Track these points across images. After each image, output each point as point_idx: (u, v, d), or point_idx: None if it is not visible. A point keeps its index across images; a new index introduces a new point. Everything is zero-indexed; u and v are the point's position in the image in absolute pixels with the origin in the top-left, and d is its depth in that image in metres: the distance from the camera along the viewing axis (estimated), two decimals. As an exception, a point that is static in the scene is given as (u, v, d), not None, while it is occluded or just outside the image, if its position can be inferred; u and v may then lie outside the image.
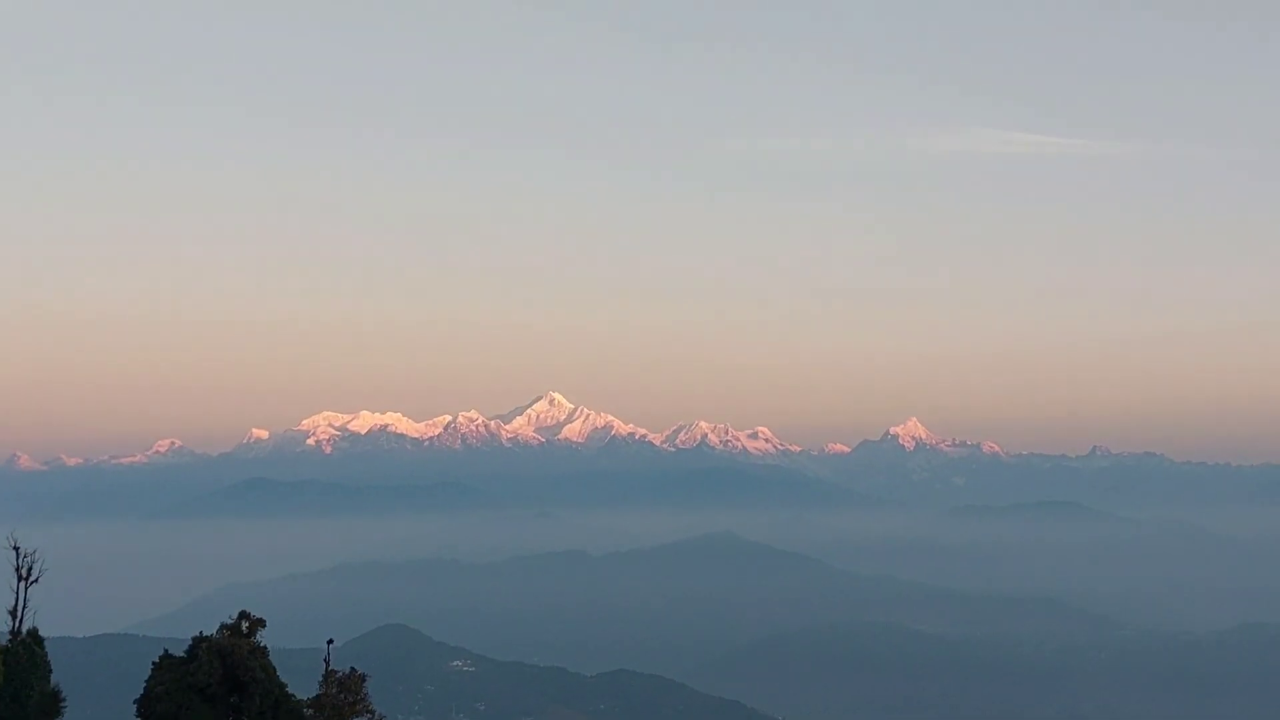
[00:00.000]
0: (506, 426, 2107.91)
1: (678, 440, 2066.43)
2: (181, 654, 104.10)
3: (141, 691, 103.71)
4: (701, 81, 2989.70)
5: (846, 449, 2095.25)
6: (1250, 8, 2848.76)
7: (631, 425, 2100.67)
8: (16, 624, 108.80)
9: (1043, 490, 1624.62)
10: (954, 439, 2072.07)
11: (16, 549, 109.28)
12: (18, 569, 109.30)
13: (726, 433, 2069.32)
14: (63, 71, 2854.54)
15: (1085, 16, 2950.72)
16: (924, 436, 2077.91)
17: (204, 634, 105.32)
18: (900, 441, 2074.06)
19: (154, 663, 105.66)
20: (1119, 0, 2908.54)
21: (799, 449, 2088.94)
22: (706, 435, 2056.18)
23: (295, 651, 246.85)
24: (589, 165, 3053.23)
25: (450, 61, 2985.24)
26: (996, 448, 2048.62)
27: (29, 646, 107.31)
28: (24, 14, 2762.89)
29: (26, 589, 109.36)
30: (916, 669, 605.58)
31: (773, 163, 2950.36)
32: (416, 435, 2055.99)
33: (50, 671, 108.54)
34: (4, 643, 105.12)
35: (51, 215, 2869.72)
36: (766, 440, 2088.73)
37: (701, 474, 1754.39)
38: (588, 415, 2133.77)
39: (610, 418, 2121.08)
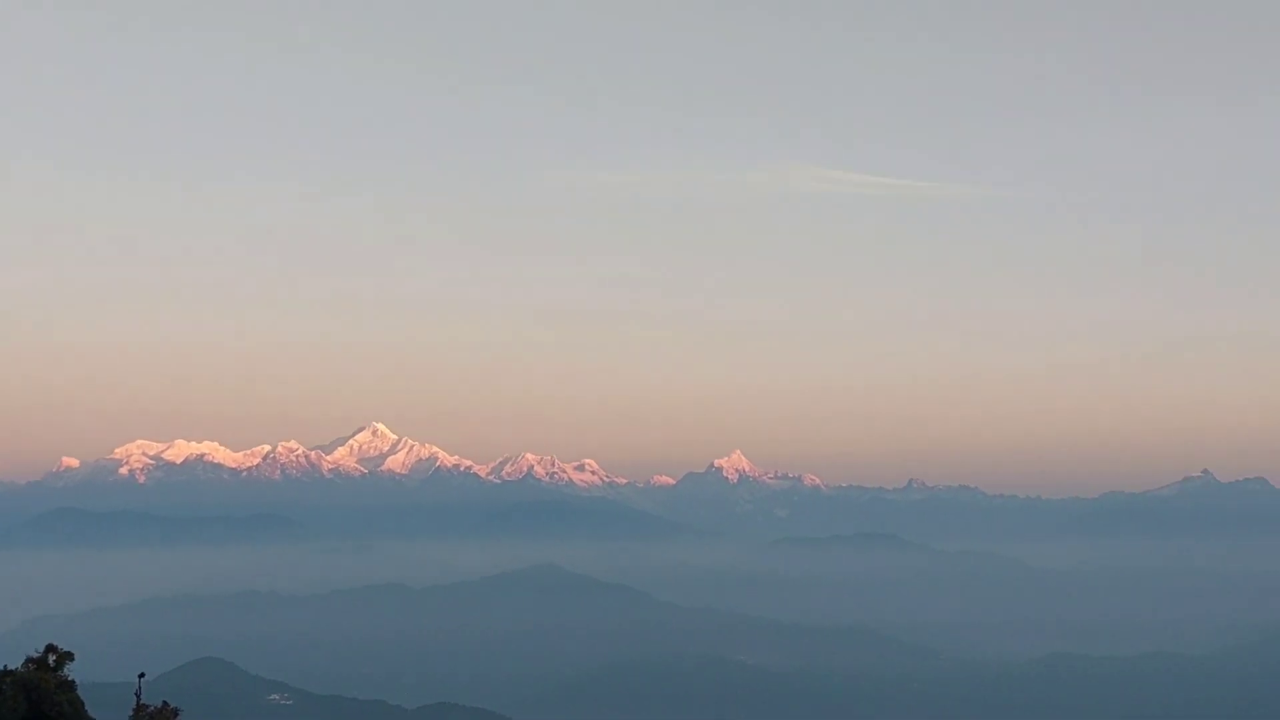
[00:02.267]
0: (328, 457, 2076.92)
1: (504, 472, 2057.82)
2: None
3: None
4: (520, 116, 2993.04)
5: (672, 481, 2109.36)
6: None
7: (457, 457, 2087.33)
8: None
9: (862, 522, 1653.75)
10: (776, 471, 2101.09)
11: None
12: None
13: (553, 464, 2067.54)
14: None
15: (925, 47, 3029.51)
16: (747, 469, 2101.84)
17: (8, 668, 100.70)
18: (724, 474, 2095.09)
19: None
20: (954, 35, 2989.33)
21: (625, 481, 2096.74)
22: (533, 467, 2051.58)
23: (105, 685, 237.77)
24: (411, 194, 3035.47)
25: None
26: (817, 480, 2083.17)
27: None
28: None
29: None
30: (737, 701, 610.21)
31: (598, 195, 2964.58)
32: (234, 465, 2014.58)
33: None
34: None
35: None
36: (593, 473, 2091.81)
37: (527, 506, 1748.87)
38: (411, 446, 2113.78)
39: (435, 449, 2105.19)
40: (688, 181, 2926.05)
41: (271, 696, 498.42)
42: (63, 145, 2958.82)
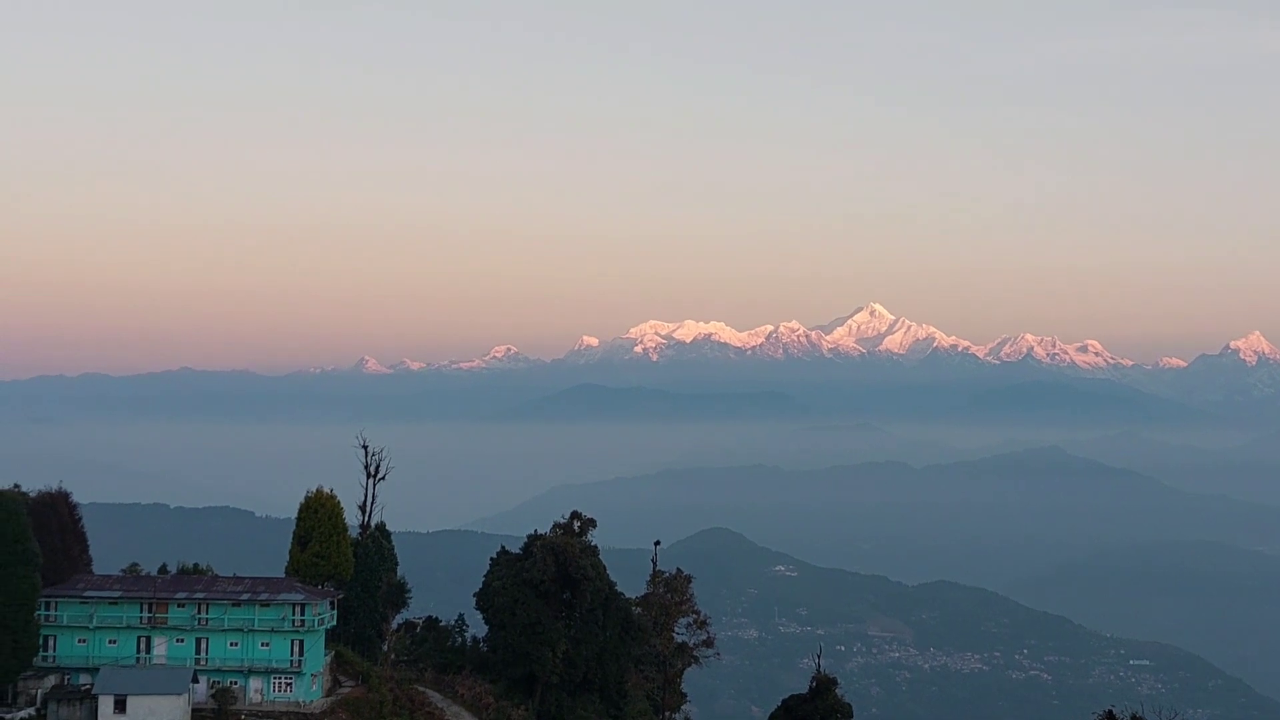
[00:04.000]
0: (827, 337, 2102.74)
1: (1002, 353, 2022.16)
2: (517, 551, 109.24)
3: (480, 585, 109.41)
4: None
5: (1183, 363, 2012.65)
6: None
7: (954, 337, 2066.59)
8: (366, 518, 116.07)
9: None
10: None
11: (365, 447, 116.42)
12: (366, 466, 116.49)
13: (1054, 345, 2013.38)
14: None
15: None
16: (1268, 351, 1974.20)
17: (538, 532, 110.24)
18: (1241, 356, 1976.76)
19: (492, 558, 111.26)
20: None
21: (1131, 363, 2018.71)
22: (1033, 348, 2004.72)
23: (624, 551, 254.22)
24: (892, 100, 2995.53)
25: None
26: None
27: (377, 540, 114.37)
28: None
29: (374, 485, 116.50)
30: (1253, 590, 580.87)
31: (1086, 65, 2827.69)
32: (739, 344, 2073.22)
33: (397, 564, 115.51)
34: (355, 536, 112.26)
35: (397, 131, 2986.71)
36: (1097, 354, 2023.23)
37: (1027, 388, 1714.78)
38: (909, 326, 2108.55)
39: (932, 329, 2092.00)
40: (1201, 46, 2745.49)
41: (777, 567, 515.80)
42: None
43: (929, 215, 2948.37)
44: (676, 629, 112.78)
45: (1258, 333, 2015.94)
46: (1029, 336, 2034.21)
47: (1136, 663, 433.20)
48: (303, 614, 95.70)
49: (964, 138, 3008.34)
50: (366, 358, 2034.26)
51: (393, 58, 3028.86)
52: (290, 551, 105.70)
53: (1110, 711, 73.46)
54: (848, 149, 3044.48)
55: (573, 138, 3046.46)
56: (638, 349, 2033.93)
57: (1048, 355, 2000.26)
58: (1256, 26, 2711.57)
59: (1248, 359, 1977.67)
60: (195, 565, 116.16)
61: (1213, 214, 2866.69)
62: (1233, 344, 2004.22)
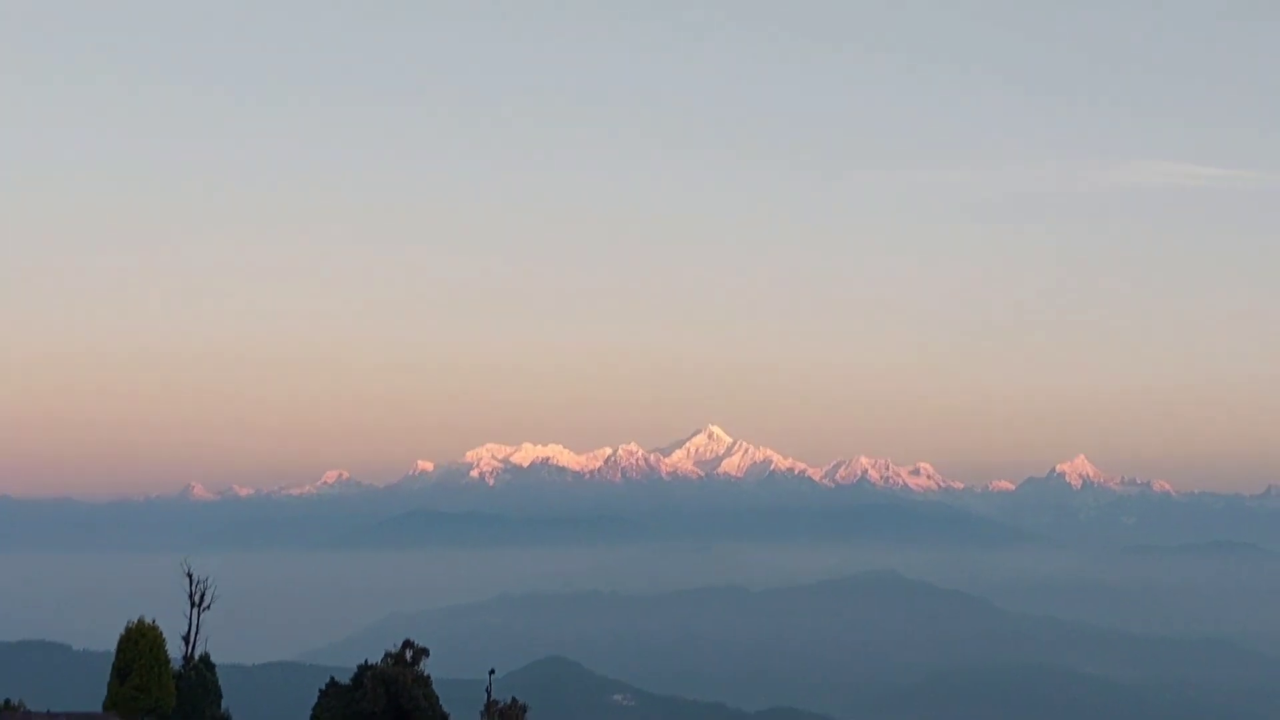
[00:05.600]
0: (666, 460, 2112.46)
1: (838, 475, 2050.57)
2: (347, 682, 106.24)
3: (309, 718, 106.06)
4: (845, 104, 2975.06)
5: (1011, 486, 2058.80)
6: None
7: (791, 460, 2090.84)
8: (189, 649, 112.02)
9: (1216, 530, 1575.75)
10: (1123, 476, 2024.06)
11: (190, 576, 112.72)
12: (191, 595, 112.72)
13: (887, 468, 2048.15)
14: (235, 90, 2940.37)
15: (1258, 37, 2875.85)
16: (1092, 474, 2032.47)
17: (369, 662, 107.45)
18: (1067, 479, 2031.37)
19: (321, 690, 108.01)
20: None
21: (962, 486, 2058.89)
22: (867, 471, 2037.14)
23: (457, 682, 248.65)
24: (753, 182, 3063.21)
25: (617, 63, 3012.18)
26: (1167, 486, 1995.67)
27: (201, 672, 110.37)
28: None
29: (199, 615, 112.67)
30: (1083, 714, 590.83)
31: (925, 194, 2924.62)
32: (577, 468, 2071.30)
33: (221, 697, 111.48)
34: (178, 668, 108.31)
35: (225, 253, 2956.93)
36: (929, 477, 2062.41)
37: (862, 510, 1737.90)
38: (747, 449, 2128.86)
39: (769, 452, 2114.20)
40: (1027, 177, 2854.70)
41: (614, 696, 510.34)
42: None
43: (766, 338, 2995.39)
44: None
45: (1082, 456, 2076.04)
46: (863, 459, 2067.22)
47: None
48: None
49: (794, 267, 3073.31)
50: (193, 484, 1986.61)
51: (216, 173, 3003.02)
52: (109, 685, 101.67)
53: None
54: (681, 274, 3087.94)
55: (404, 256, 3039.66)
56: (474, 473, 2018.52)
57: (881, 478, 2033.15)
58: (1084, 164, 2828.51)
59: (1073, 482, 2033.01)
60: (7, 701, 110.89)
61: (1038, 340, 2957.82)
62: (1059, 467, 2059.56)
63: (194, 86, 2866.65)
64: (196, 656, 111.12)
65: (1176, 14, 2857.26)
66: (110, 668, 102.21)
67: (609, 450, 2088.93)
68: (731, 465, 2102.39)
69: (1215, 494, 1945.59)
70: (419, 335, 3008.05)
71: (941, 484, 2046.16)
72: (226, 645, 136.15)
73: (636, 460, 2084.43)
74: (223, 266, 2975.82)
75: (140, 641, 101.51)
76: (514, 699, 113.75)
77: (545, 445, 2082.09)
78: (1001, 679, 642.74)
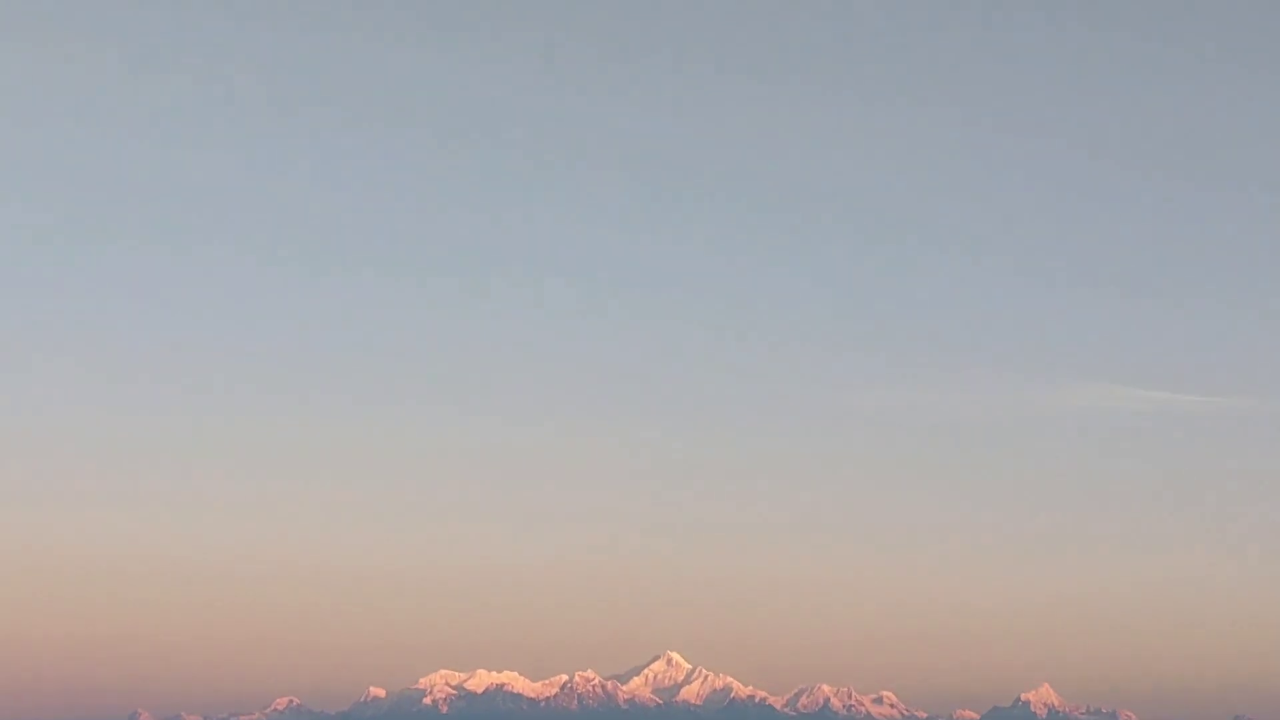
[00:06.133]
0: (624, 687, 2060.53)
1: (799, 704, 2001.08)
2: None
3: None
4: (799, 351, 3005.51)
5: (975, 716, 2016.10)
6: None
7: (751, 687, 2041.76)
8: None
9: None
10: (1088, 706, 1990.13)
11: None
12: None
13: (850, 696, 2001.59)
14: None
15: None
16: (1057, 704, 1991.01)
17: None
18: (1032, 708, 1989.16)
19: None
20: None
21: (925, 715, 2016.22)
22: (829, 699, 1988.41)
23: None
24: (698, 436, 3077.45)
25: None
26: (1134, 716, 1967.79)
27: None
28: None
29: None
30: None
31: (879, 416, 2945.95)
32: (533, 695, 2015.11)
33: None
34: None
35: (159, 473, 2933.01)
36: (892, 705, 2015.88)
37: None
38: (706, 676, 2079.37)
39: (729, 679, 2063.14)
40: (979, 401, 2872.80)
41: None
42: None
43: (723, 558, 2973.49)
44: None
45: (1047, 684, 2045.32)
46: (825, 687, 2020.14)
47: None
48: None
49: (754, 484, 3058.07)
50: (140, 711, 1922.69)
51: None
52: None
53: None
54: (636, 498, 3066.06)
55: (350, 470, 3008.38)
56: (427, 699, 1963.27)
57: (844, 706, 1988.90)
58: (1025, 386, 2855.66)
59: (1039, 711, 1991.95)
60: None
61: (1001, 565, 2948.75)
62: (1023, 696, 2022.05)
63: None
64: None
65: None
66: None
67: (565, 677, 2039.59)
68: (690, 693, 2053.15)
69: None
70: (371, 552, 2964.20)
71: (905, 713, 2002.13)
72: None
73: (594, 688, 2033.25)
74: (173, 482, 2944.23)
75: None
76: None
77: (500, 671, 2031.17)
78: None
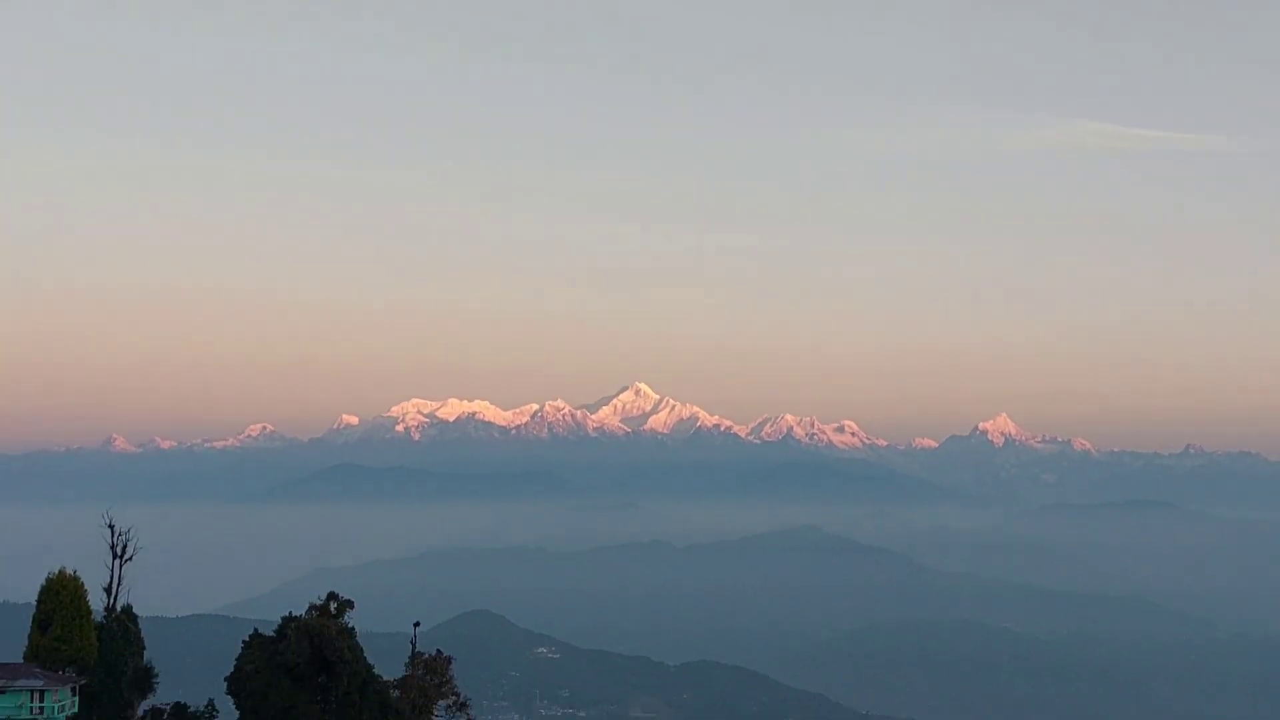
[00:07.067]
0: (593, 416, 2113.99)
1: (763, 433, 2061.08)
2: (271, 634, 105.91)
3: (232, 670, 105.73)
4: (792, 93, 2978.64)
5: (934, 444, 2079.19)
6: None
7: (717, 417, 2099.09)
8: (111, 601, 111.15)
9: (1135, 489, 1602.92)
10: (1044, 435, 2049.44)
11: (112, 528, 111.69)
12: (113, 547, 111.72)
13: (813, 425, 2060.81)
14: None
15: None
16: (1013, 433, 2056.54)
17: (293, 614, 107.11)
18: (989, 437, 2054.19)
19: (244, 642, 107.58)
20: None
21: (885, 443, 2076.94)
22: (792, 428, 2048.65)
23: (381, 635, 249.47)
24: (662, 177, 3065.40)
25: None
26: (1087, 445, 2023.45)
27: (123, 623, 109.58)
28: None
29: (121, 567, 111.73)
30: (1002, 668, 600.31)
31: (860, 157, 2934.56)
32: (504, 424, 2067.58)
33: (143, 648, 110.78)
34: (99, 619, 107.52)
35: (153, 203, 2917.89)
36: (853, 434, 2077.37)
37: (787, 467, 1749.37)
38: (673, 406, 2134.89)
39: (696, 409, 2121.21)
40: (952, 142, 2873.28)
41: (539, 649, 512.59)
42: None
43: (692, 295, 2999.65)
44: (436, 711, 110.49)
45: (1004, 415, 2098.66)
46: (789, 417, 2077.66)
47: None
48: (42, 701, 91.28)
49: (725, 224, 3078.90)
50: (115, 435, 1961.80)
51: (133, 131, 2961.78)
52: (30, 636, 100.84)
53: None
54: (612, 230, 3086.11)
55: (331, 207, 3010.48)
56: (399, 428, 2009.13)
57: (806, 435, 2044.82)
58: (997, 125, 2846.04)
59: (995, 440, 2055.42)
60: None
61: (962, 299, 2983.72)
62: (981, 425, 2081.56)
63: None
64: (118, 608, 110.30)
65: None
66: (30, 619, 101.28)
67: (535, 406, 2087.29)
68: (658, 422, 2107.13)
69: (1134, 453, 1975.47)
70: (345, 286, 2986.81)
71: (866, 441, 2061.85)
72: (149, 598, 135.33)
73: (563, 416, 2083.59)
74: (149, 210, 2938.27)
75: (61, 593, 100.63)
76: (439, 651, 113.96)
77: (471, 401, 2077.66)
78: (922, 634, 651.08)
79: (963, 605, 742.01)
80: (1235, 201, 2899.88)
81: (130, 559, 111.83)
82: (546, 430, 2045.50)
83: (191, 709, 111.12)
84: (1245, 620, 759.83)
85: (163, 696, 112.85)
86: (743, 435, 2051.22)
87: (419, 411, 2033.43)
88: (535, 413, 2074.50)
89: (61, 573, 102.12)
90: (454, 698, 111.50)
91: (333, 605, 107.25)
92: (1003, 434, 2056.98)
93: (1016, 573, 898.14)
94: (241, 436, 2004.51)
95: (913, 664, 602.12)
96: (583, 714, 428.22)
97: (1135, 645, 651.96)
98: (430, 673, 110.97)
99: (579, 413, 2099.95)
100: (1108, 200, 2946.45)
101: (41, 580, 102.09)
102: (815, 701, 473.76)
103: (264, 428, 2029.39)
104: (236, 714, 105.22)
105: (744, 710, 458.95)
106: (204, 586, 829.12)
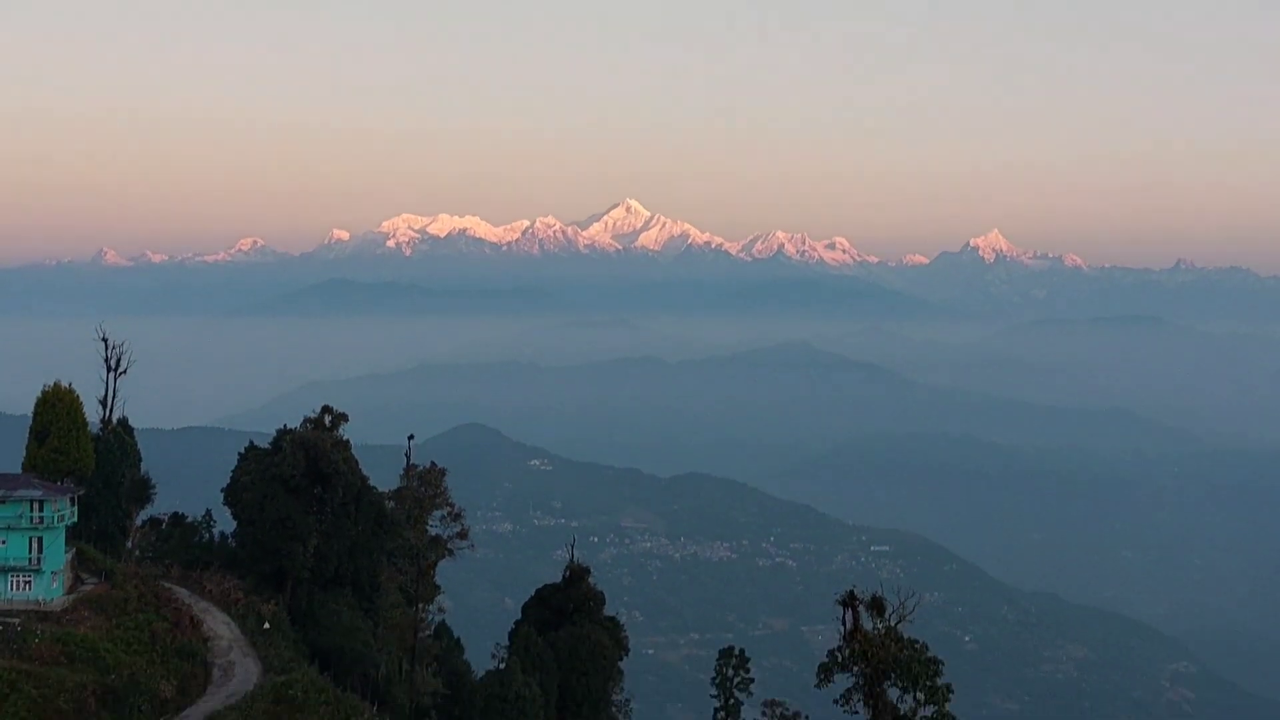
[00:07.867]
0: (584, 233, 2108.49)
1: (754, 250, 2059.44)
2: (266, 446, 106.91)
3: (228, 481, 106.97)
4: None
5: (925, 260, 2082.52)
6: None
7: (708, 234, 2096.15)
8: (107, 413, 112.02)
9: (1125, 304, 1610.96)
10: (1035, 250, 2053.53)
11: (105, 341, 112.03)
12: (106, 360, 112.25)
13: (804, 242, 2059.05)
14: None
15: None
16: (1004, 248, 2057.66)
17: (288, 427, 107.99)
18: (980, 253, 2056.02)
19: (240, 454, 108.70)
20: None
21: (877, 260, 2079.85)
22: (783, 245, 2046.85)
23: (376, 447, 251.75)
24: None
25: None
26: (1078, 260, 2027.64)
27: (119, 435, 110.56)
28: None
29: (115, 380, 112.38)
30: (989, 480, 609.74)
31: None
32: (495, 240, 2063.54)
33: (140, 459, 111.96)
34: (95, 431, 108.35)
35: (142, 20, 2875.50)
36: (844, 251, 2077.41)
37: (778, 284, 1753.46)
38: (664, 223, 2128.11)
39: (687, 226, 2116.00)
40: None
41: (532, 461, 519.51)
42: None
43: (683, 114, 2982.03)
44: (430, 522, 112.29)
45: (996, 231, 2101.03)
46: (780, 234, 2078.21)
47: (877, 549, 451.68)
48: (41, 510, 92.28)
49: (718, 42, 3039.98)
50: (106, 249, 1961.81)
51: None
52: (27, 447, 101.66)
53: (851, 592, 76.23)
54: (603, 48, 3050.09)
55: (326, 29, 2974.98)
56: (390, 243, 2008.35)
57: (798, 252, 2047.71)
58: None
59: (987, 256, 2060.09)
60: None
61: (953, 117, 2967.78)
62: (973, 241, 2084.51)
63: None
64: (114, 420, 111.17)
65: None
66: (28, 430, 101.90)
67: (526, 223, 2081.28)
68: (649, 239, 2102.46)
69: (1125, 268, 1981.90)
70: (336, 102, 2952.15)
71: (857, 258, 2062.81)
72: (144, 410, 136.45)
73: (554, 233, 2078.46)
74: (135, 24, 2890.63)
75: (57, 405, 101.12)
76: (433, 463, 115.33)
77: (462, 217, 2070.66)
78: (909, 447, 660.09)
79: (952, 419, 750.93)
80: (1226, 20, 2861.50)
81: (124, 372, 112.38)
82: (538, 246, 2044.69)
83: (189, 519, 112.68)
84: (1229, 433, 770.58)
85: (160, 507, 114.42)
86: (734, 252, 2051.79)
87: (410, 227, 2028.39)
88: (526, 229, 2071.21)
89: (57, 385, 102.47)
90: (448, 509, 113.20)
91: (327, 418, 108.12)
92: (994, 250, 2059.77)
93: (1005, 387, 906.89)
94: (232, 251, 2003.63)
95: (900, 477, 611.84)
96: (575, 524, 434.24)
97: (1119, 458, 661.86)
98: (424, 484, 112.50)
99: (570, 229, 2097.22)
100: (1098, 21, 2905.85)
101: (37, 392, 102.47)
102: (803, 512, 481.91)
103: (255, 242, 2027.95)
104: (234, 524, 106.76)
105: (733, 520, 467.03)
106: (198, 400, 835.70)
